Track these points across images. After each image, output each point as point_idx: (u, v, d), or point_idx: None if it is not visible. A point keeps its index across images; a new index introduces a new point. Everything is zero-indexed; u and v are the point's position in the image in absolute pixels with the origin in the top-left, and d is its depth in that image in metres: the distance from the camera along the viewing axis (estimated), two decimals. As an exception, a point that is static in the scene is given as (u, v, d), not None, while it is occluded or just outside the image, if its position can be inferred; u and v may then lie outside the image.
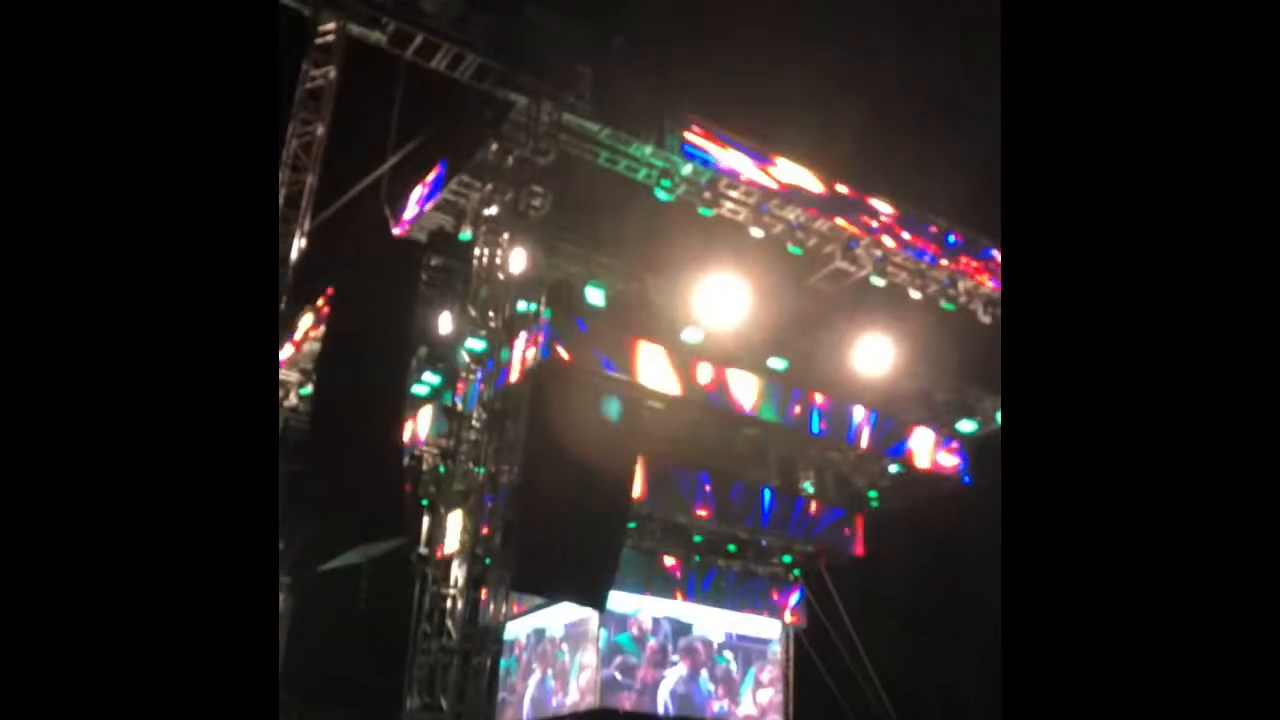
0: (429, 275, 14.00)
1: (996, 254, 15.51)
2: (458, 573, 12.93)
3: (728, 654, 17.90)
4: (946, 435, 16.61)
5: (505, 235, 12.62)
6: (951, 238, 15.49)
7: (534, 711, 17.64)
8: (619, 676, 16.78)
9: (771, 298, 13.99)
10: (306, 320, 15.92)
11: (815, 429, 16.22)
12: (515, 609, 14.38)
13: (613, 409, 12.21)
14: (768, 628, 18.44)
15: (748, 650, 18.14)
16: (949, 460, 16.64)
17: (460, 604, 11.93)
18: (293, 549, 14.11)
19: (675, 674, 17.36)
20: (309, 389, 15.16)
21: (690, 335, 14.76)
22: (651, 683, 17.03)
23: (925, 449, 16.61)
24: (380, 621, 13.50)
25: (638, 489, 13.73)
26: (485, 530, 11.99)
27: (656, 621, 17.44)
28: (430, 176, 14.01)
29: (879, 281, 14.70)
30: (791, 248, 14.39)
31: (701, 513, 17.13)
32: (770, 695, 18.07)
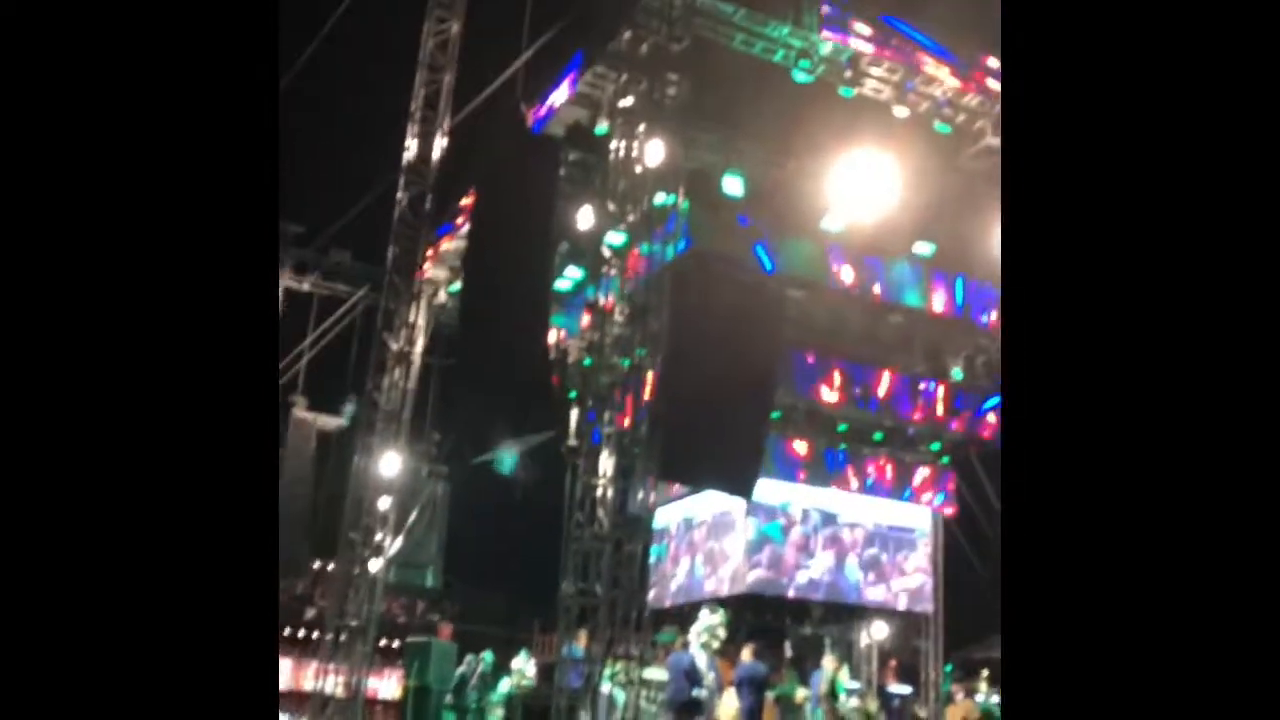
0: (567, 170, 13.99)
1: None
2: (606, 463, 13.25)
3: (875, 542, 17.89)
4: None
5: (641, 126, 12.45)
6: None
7: (684, 597, 18.12)
8: (766, 564, 17.02)
9: (917, 180, 13.41)
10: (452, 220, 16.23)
11: (963, 313, 15.73)
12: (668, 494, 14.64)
13: (756, 299, 12.07)
14: (916, 516, 18.31)
15: (896, 539, 18.08)
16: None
17: (610, 493, 12.23)
18: (448, 440, 14.74)
19: (822, 563, 17.48)
20: (457, 286, 15.54)
21: (832, 221, 14.38)
22: (797, 570, 17.22)
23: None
24: (535, 510, 14.00)
25: (781, 378, 13.64)
26: (631, 422, 12.18)
27: (804, 511, 17.53)
28: (565, 70, 13.91)
29: (1033, 157, 13.90)
30: (938, 125, 13.74)
31: (846, 401, 16.96)
32: (920, 582, 18.04)
